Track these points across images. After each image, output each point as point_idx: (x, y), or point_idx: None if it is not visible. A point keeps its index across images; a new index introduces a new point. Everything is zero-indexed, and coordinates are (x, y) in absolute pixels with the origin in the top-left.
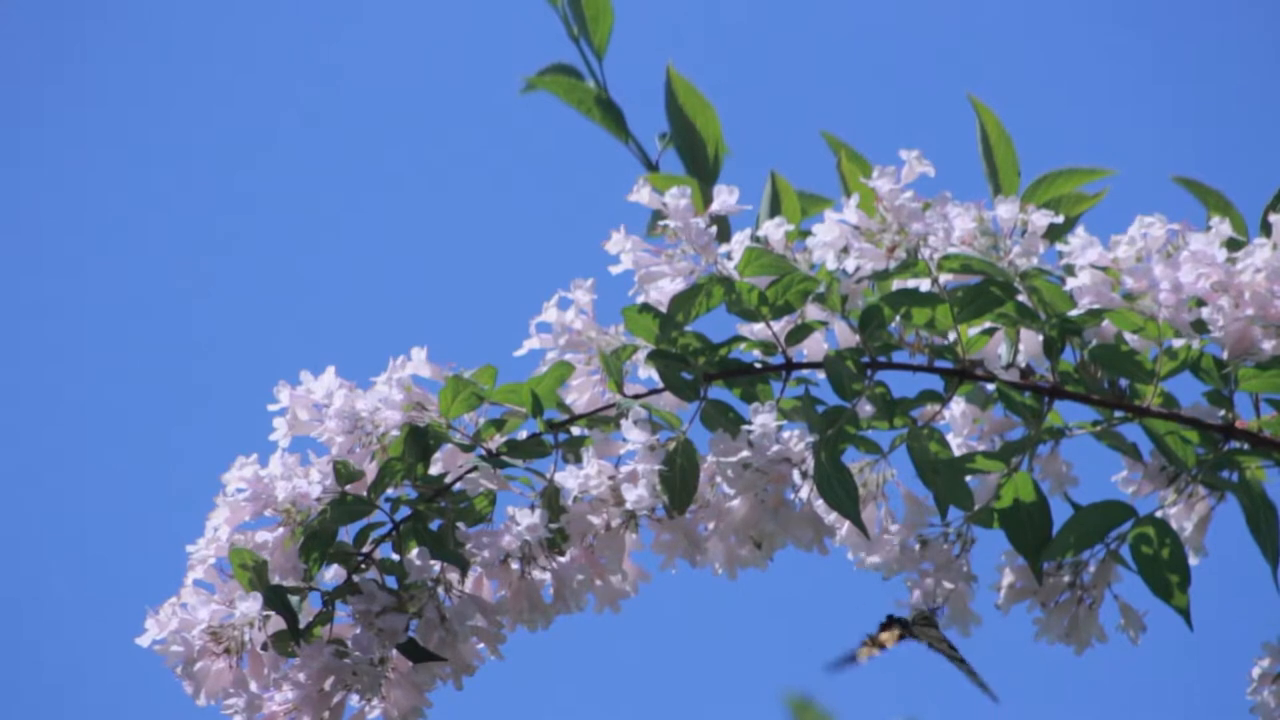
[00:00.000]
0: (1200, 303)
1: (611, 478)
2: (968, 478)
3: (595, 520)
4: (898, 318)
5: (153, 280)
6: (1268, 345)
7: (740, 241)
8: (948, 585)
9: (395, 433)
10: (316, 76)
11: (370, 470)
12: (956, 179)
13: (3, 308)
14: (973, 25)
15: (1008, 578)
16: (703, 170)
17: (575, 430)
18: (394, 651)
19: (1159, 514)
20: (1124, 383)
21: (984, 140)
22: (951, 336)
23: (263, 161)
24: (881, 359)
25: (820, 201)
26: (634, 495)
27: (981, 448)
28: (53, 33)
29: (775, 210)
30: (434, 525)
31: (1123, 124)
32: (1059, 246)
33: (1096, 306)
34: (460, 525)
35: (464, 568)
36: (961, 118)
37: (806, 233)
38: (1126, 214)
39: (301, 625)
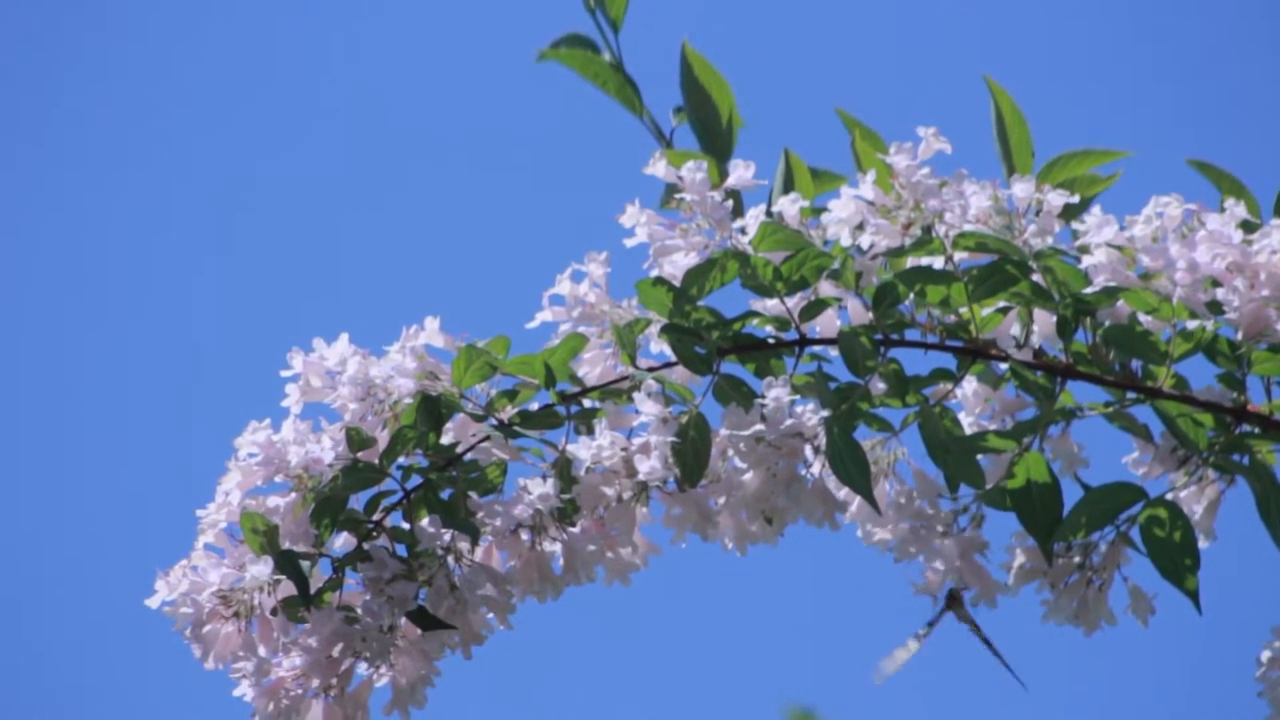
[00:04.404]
0: (1215, 284)
1: (624, 449)
2: (979, 456)
3: (607, 491)
4: (911, 295)
5: (166, 245)
6: None
7: (755, 216)
8: (961, 562)
9: (408, 401)
10: (331, 47)
11: (382, 438)
12: (970, 160)
13: (15, 270)
14: (987, 5)
15: (1018, 558)
16: (717, 146)
17: (587, 402)
18: (403, 619)
19: (1169, 497)
20: (1136, 364)
21: (998, 121)
22: (965, 315)
23: (278, 131)
24: (895, 336)
25: (833, 179)
26: (647, 466)
27: (993, 427)
28: (56, 27)
29: (788, 188)
30: (445, 494)
31: (1136, 107)
32: (1074, 225)
33: (1112, 284)
34: (471, 494)
35: (475, 537)
36: (976, 98)
37: (820, 210)
38: (1140, 197)
39: (311, 591)
